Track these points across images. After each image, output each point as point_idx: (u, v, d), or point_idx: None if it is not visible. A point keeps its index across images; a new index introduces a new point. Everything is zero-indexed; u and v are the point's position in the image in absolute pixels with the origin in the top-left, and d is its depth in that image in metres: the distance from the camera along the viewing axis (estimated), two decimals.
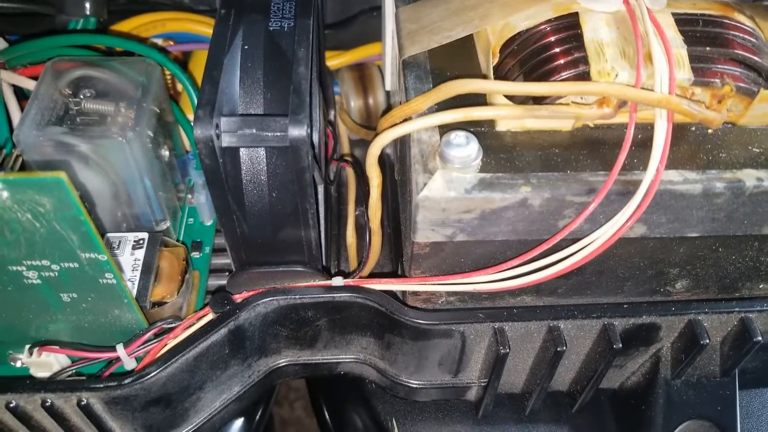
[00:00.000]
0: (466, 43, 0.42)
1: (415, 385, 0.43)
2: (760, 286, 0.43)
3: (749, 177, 0.35)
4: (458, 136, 0.35)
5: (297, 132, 0.33)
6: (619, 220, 0.34)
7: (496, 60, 0.40)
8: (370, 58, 0.61)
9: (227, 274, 0.47)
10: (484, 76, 0.41)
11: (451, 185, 0.34)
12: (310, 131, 0.34)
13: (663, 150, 0.34)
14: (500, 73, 0.40)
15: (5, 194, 0.30)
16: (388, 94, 0.59)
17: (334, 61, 0.59)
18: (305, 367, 0.44)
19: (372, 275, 0.46)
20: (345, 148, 0.60)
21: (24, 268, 0.34)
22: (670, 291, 0.42)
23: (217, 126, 0.33)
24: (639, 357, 0.42)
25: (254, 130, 0.34)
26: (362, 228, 0.52)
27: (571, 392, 0.44)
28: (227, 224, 0.38)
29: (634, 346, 0.41)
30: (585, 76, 0.36)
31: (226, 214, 0.37)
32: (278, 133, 0.34)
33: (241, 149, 0.35)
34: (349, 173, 0.55)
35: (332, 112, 0.57)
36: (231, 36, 0.38)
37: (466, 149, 0.34)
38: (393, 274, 0.48)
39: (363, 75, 0.60)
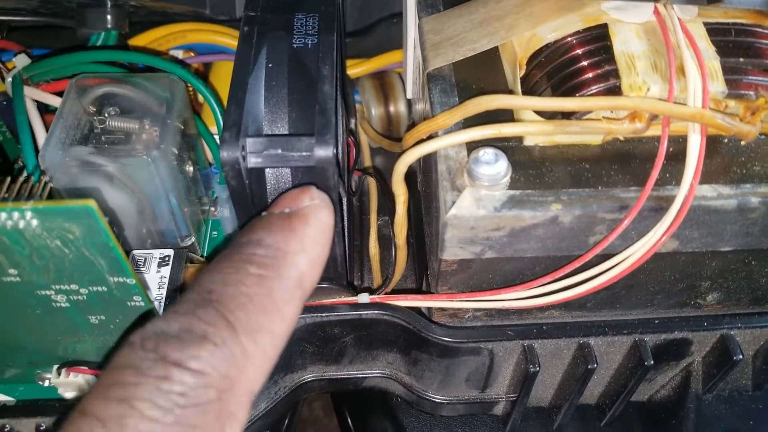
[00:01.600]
0: (491, 55, 0.42)
1: (441, 401, 0.43)
2: None
3: None
4: (487, 153, 0.34)
5: (323, 152, 0.32)
6: (652, 237, 0.34)
7: (523, 72, 0.40)
8: (390, 66, 0.61)
9: None
10: (511, 90, 0.40)
11: (480, 203, 0.34)
12: (336, 150, 0.34)
13: (697, 166, 0.33)
14: (527, 86, 0.39)
15: (35, 222, 0.30)
16: (409, 102, 0.59)
17: (355, 69, 0.59)
18: (331, 382, 0.44)
19: (396, 290, 0.46)
20: (366, 157, 0.59)
21: (53, 292, 0.34)
22: (701, 304, 0.41)
23: (243, 147, 0.33)
24: (669, 371, 0.41)
25: (280, 151, 0.34)
26: (385, 239, 0.52)
27: (599, 405, 0.44)
28: None
29: (665, 361, 0.40)
30: (616, 90, 0.35)
31: None
32: (304, 153, 0.33)
33: (267, 169, 0.35)
34: (371, 183, 0.55)
35: (353, 121, 0.57)
36: (255, 54, 0.37)
37: (494, 167, 0.34)
38: (416, 289, 0.48)
39: (384, 83, 0.60)
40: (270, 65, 0.37)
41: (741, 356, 0.37)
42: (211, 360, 0.25)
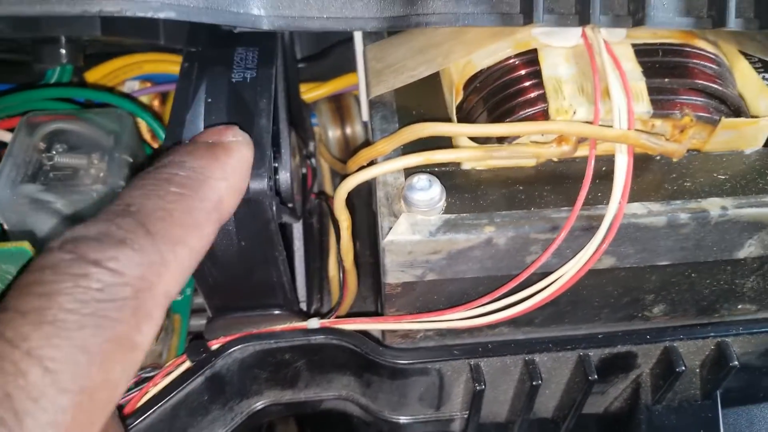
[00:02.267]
0: (433, 81, 0.43)
1: (398, 420, 0.44)
2: (739, 307, 0.43)
3: (714, 206, 0.35)
4: (421, 180, 0.35)
5: (257, 185, 0.33)
6: (585, 255, 0.35)
7: (460, 97, 0.40)
8: (346, 88, 0.62)
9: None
10: (449, 115, 0.41)
11: (415, 228, 0.34)
12: (273, 183, 0.34)
13: (624, 185, 0.34)
14: (464, 111, 0.40)
15: None
16: (365, 124, 0.60)
17: (311, 93, 0.59)
18: (288, 406, 0.44)
19: (353, 313, 0.46)
20: (326, 179, 0.60)
21: None
22: (648, 316, 0.42)
23: None
24: (619, 383, 0.42)
25: None
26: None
27: (554, 419, 0.44)
28: (198, 273, 0.38)
29: (612, 374, 0.41)
30: (544, 114, 0.36)
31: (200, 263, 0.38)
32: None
33: None
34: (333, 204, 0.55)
35: (312, 144, 0.57)
36: (194, 90, 0.38)
37: (428, 192, 0.35)
38: (373, 311, 0.49)
39: (340, 106, 0.61)
40: (209, 100, 0.38)
41: (684, 368, 0.38)
42: (128, 262, 0.26)
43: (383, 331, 0.42)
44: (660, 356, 0.39)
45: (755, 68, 0.43)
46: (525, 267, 0.36)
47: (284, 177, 0.43)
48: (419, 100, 0.42)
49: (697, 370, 0.41)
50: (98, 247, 0.26)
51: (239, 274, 0.38)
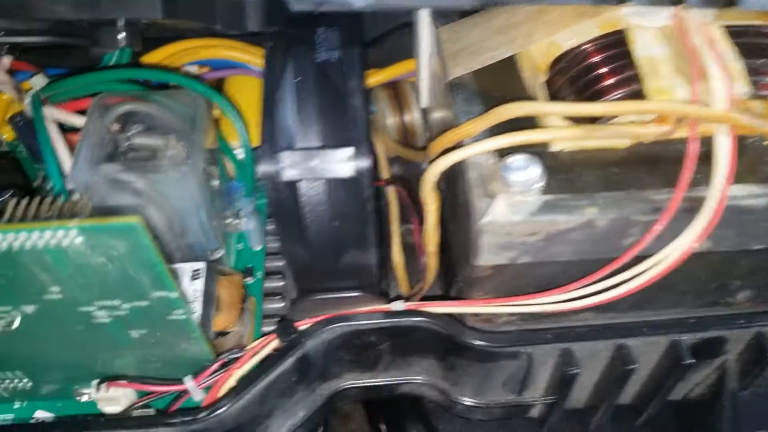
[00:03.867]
0: (509, 63, 0.42)
1: (477, 405, 0.43)
2: None
3: None
4: (517, 160, 0.34)
5: (362, 163, 0.33)
6: (686, 239, 0.34)
7: (545, 78, 0.40)
8: (403, 75, 0.61)
9: (278, 297, 0.47)
10: (530, 97, 0.40)
11: (514, 209, 0.34)
12: (373, 162, 0.34)
13: (728, 166, 0.34)
14: (550, 92, 0.40)
15: (79, 240, 0.30)
16: (423, 111, 0.59)
17: (368, 80, 0.59)
18: (367, 389, 0.44)
19: (424, 297, 0.46)
20: (383, 166, 0.60)
21: (94, 309, 0.34)
22: (731, 302, 0.42)
23: (280, 161, 0.34)
24: (705, 369, 0.42)
25: (317, 163, 0.35)
26: (408, 246, 0.52)
27: (634, 405, 0.44)
28: (291, 254, 0.38)
29: (701, 360, 0.40)
30: (638, 94, 0.35)
31: (290, 243, 0.38)
32: (343, 165, 0.34)
33: (304, 181, 0.36)
34: (390, 191, 0.55)
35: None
36: (281, 71, 0.38)
37: (526, 172, 0.34)
38: (444, 295, 0.48)
39: (397, 93, 0.60)
40: (298, 80, 0.38)
41: None
42: None
43: (463, 315, 0.41)
44: (750, 341, 0.39)
45: None
46: (621, 250, 0.36)
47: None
48: (498, 83, 0.41)
49: None
50: None
51: (331, 254, 0.38)
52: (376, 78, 0.59)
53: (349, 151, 0.33)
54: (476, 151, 0.35)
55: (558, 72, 0.39)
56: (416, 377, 0.43)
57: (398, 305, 0.40)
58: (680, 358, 0.38)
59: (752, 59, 0.37)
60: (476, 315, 0.40)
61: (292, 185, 0.36)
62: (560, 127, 0.36)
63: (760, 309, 0.42)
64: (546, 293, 0.37)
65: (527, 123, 0.37)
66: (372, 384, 0.43)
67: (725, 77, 0.35)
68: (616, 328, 0.38)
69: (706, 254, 0.37)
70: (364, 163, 0.33)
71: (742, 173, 0.36)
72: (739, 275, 0.39)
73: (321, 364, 0.41)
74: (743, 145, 0.37)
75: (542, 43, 0.40)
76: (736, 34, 0.38)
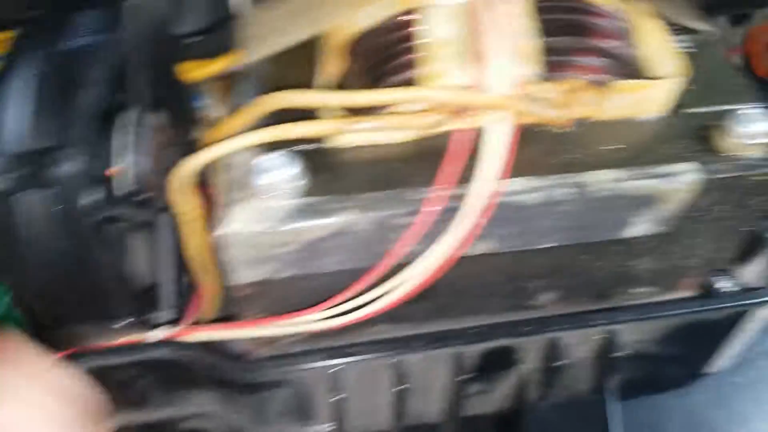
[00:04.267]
0: (314, 46, 0.37)
1: None
2: (637, 290, 0.40)
3: (597, 180, 0.31)
4: (270, 159, 0.30)
5: (67, 168, 0.27)
6: (448, 242, 0.30)
7: (342, 63, 0.35)
8: (235, 67, 0.55)
9: None
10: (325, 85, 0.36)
11: (259, 217, 0.29)
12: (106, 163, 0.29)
13: (500, 159, 0.30)
14: (347, 79, 0.35)
15: None
16: None
17: (196, 72, 0.53)
18: (143, 428, 0.38)
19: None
20: None
21: None
22: (538, 304, 0.38)
23: None
24: (505, 379, 0.38)
25: (25, 171, 0.29)
26: None
27: (436, 425, 0.40)
28: (13, 279, 0.32)
29: (494, 370, 0.37)
30: (413, 81, 0.31)
31: (9, 269, 0.32)
32: (50, 172, 0.28)
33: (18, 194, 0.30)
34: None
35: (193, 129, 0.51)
36: (20, 61, 0.32)
37: (278, 173, 0.29)
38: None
39: (228, 85, 0.55)
40: (36, 72, 0.32)
41: (564, 361, 0.34)
42: None
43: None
44: (543, 349, 0.36)
45: (670, 29, 0.40)
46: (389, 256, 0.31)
47: (140, 165, 0.37)
48: (293, 70, 0.37)
49: (589, 363, 0.38)
50: None
51: (61, 282, 0.32)
52: (204, 70, 0.53)
53: (59, 154, 0.28)
54: (220, 151, 0.30)
55: (355, 55, 0.35)
56: (195, 410, 0.38)
57: (155, 335, 0.35)
58: (457, 372, 0.34)
59: (554, 37, 0.33)
60: (256, 338, 0.35)
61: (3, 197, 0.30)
62: (321, 120, 0.31)
63: (570, 310, 0.39)
64: (306, 311, 0.32)
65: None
66: (149, 421, 0.38)
67: (507, 58, 0.31)
68: (390, 343, 0.34)
69: (493, 256, 0.34)
70: (70, 167, 0.27)
71: (526, 165, 0.32)
72: (538, 275, 0.36)
73: None
74: (538, 134, 0.34)
75: (342, 23, 0.35)
76: (542, 10, 0.34)
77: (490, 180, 0.30)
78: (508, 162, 0.31)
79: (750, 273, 0.41)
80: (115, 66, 0.34)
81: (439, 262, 0.30)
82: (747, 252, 0.40)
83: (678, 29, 0.40)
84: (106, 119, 0.35)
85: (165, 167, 0.42)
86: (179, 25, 0.49)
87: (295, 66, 0.37)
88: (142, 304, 0.39)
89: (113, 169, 0.35)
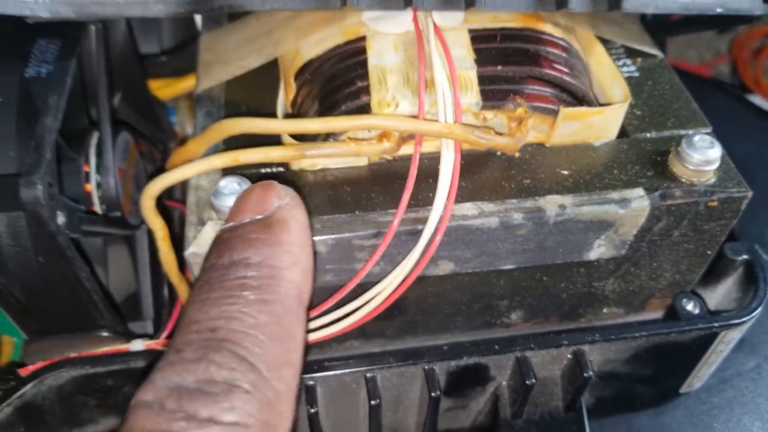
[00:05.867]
0: (270, 72, 0.39)
1: None
2: (605, 311, 0.40)
3: (551, 205, 0.32)
4: (230, 183, 0.31)
5: (28, 194, 0.29)
6: (409, 263, 0.31)
7: (293, 90, 0.37)
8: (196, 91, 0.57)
9: None
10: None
11: None
12: (57, 190, 0.30)
13: (451, 184, 0.31)
14: (298, 105, 0.37)
15: None
16: None
17: (169, 89, 0.55)
18: None
19: None
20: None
21: None
22: (507, 322, 0.39)
23: None
24: (478, 396, 0.39)
25: None
26: None
27: None
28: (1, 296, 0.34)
29: (467, 387, 0.38)
30: (364, 108, 0.33)
31: None
32: (22, 195, 0.30)
33: None
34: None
35: (172, 145, 0.53)
36: None
37: (237, 196, 0.31)
38: None
39: None
40: None
41: (534, 380, 0.35)
42: (247, 409, 0.23)
43: None
44: (513, 367, 0.36)
45: (617, 54, 0.41)
46: (353, 276, 0.33)
47: (107, 183, 0.39)
48: (253, 95, 0.38)
49: (559, 380, 0.39)
50: (207, 400, 0.22)
51: (43, 294, 0.34)
52: (173, 88, 0.55)
53: (16, 180, 0.29)
54: (184, 175, 0.32)
55: (304, 83, 0.36)
56: None
57: (137, 345, 0.37)
58: (431, 389, 0.35)
59: (494, 65, 0.34)
60: None
61: None
62: (277, 146, 0.32)
63: (541, 329, 0.40)
64: None
65: (273, 140, 0.34)
66: None
67: (451, 87, 0.32)
68: (362, 359, 0.35)
69: (455, 276, 0.35)
70: (30, 194, 0.29)
71: (479, 190, 0.33)
72: (503, 295, 0.37)
73: (59, 412, 0.37)
74: (490, 160, 0.35)
75: (290, 51, 0.37)
76: (482, 38, 0.35)
77: (440, 205, 0.31)
78: (458, 187, 0.32)
79: (719, 295, 0.41)
80: (66, 92, 0.35)
81: (399, 284, 0.31)
82: (714, 274, 0.40)
83: (628, 53, 0.40)
84: (75, 141, 0.38)
85: (142, 183, 0.44)
86: (147, 45, 0.52)
87: (258, 88, 0.39)
88: (126, 314, 0.41)
89: (87, 187, 0.37)
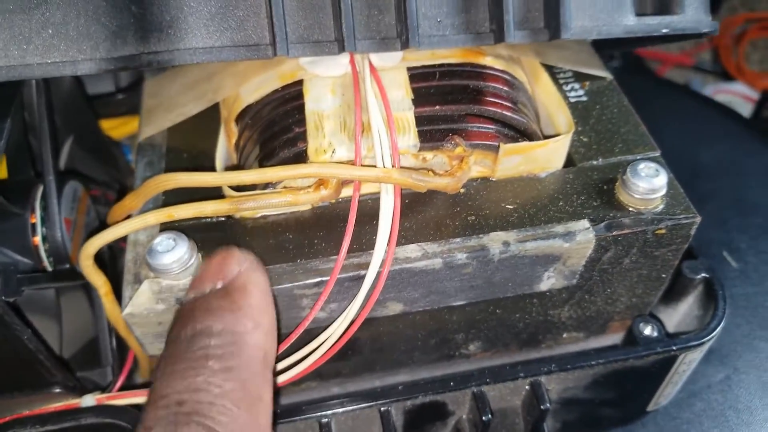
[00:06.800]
0: (212, 117, 0.38)
1: None
2: (565, 336, 0.40)
3: (495, 242, 0.32)
4: (164, 241, 0.31)
5: None
6: (353, 309, 0.31)
7: (235, 134, 0.37)
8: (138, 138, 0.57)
9: None
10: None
11: (159, 296, 0.30)
12: None
13: (391, 228, 0.31)
14: (241, 148, 0.36)
15: None
16: None
17: (126, 128, 0.54)
18: None
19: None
20: None
21: None
22: (466, 353, 0.39)
23: None
24: (440, 430, 0.39)
25: None
26: None
27: None
28: None
29: (428, 422, 0.38)
30: (301, 156, 0.32)
31: None
32: None
33: None
34: None
35: (129, 182, 0.53)
36: None
37: (173, 254, 0.30)
38: None
39: None
40: None
41: (490, 416, 0.35)
42: None
43: None
44: (471, 402, 0.36)
45: (565, 78, 0.40)
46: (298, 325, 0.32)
47: (53, 236, 0.38)
48: (194, 141, 0.38)
49: (520, 411, 0.38)
50: None
51: None
52: (130, 126, 0.54)
53: None
54: (116, 234, 0.31)
55: (245, 127, 0.36)
56: None
57: (88, 400, 0.36)
58: (390, 429, 0.34)
59: (432, 105, 0.34)
60: None
61: None
62: (212, 201, 0.32)
63: (502, 360, 0.40)
64: None
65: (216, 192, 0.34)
66: None
67: (388, 131, 0.31)
68: (315, 404, 0.34)
69: (406, 315, 0.34)
70: None
71: (423, 230, 0.33)
72: (458, 330, 0.37)
73: None
74: (434, 198, 0.34)
75: (231, 96, 0.37)
76: (420, 77, 0.35)
77: (381, 250, 0.30)
78: (401, 228, 0.31)
79: (680, 313, 0.41)
80: (22, 142, 0.35)
81: (347, 327, 0.31)
82: (674, 293, 0.40)
83: (577, 76, 0.40)
84: (20, 194, 0.37)
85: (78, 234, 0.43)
86: (102, 85, 0.51)
87: (199, 134, 0.38)
88: (85, 361, 0.40)
89: (34, 241, 0.37)
